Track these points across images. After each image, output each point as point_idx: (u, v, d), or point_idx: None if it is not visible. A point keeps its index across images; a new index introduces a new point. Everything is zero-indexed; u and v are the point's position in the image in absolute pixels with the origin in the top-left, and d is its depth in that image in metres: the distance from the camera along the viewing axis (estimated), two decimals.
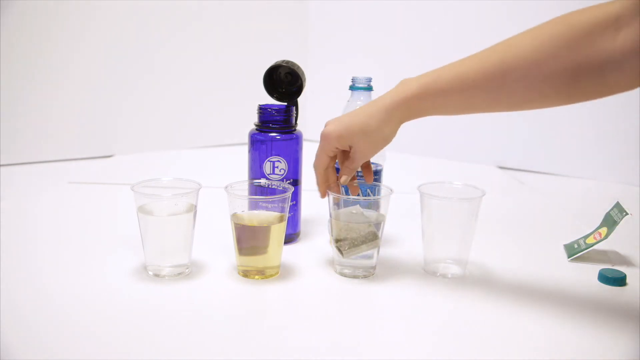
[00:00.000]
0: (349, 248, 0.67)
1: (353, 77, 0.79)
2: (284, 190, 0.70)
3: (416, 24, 1.54)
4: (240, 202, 0.68)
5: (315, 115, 1.10)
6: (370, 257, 0.70)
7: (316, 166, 0.70)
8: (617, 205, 0.79)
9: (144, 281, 0.67)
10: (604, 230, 0.78)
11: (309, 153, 0.76)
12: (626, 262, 0.78)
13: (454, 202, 0.68)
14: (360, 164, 0.69)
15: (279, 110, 0.78)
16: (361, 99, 0.78)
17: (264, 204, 0.69)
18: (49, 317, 0.58)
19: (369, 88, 0.79)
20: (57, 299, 0.62)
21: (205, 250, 0.76)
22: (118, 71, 1.45)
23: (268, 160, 0.77)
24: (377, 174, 0.79)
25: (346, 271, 0.71)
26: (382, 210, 0.71)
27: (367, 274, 0.71)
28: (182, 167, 1.41)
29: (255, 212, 0.69)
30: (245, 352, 0.53)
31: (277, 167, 0.77)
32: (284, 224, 0.69)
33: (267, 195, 0.73)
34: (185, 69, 1.56)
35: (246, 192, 0.73)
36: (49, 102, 1.38)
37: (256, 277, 0.69)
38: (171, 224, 0.68)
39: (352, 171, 0.69)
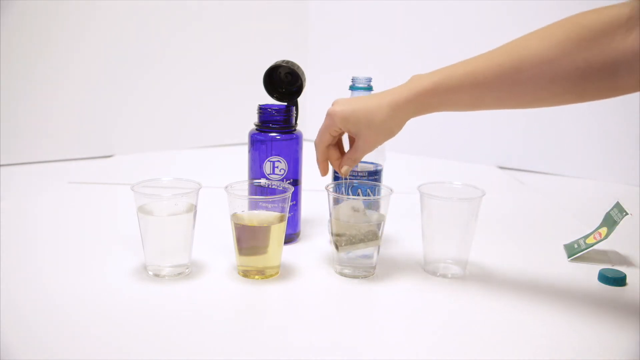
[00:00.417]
0: (345, 244, 0.67)
1: (353, 77, 0.79)
2: (284, 190, 0.70)
3: (416, 24, 1.54)
4: (240, 202, 0.68)
5: (315, 115, 1.09)
6: (370, 257, 0.70)
7: (317, 143, 0.70)
8: (617, 205, 0.79)
9: (144, 281, 0.67)
10: (604, 230, 0.78)
11: (309, 153, 0.76)
12: (626, 262, 0.78)
13: (454, 202, 0.68)
14: (364, 155, 0.68)
15: (279, 110, 0.78)
16: None
17: (264, 204, 0.69)
18: (49, 317, 0.58)
19: (369, 88, 0.79)
20: (57, 299, 0.62)
21: (205, 250, 0.76)
22: (118, 71, 1.45)
23: (268, 160, 0.77)
24: (377, 174, 0.79)
25: (346, 271, 0.71)
26: (382, 210, 0.71)
27: (367, 274, 0.71)
28: (182, 167, 1.41)
29: (255, 212, 0.69)
30: (245, 352, 0.53)
31: (277, 167, 0.77)
32: (284, 224, 0.69)
33: (267, 195, 0.73)
34: (185, 69, 1.56)
35: (246, 192, 0.73)
36: (49, 102, 1.38)
37: (256, 277, 0.69)
38: (171, 224, 0.68)
39: (354, 162, 0.69)
